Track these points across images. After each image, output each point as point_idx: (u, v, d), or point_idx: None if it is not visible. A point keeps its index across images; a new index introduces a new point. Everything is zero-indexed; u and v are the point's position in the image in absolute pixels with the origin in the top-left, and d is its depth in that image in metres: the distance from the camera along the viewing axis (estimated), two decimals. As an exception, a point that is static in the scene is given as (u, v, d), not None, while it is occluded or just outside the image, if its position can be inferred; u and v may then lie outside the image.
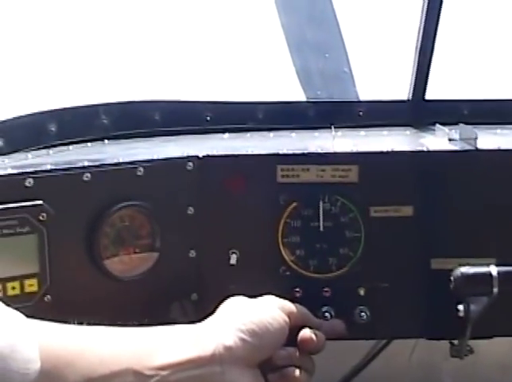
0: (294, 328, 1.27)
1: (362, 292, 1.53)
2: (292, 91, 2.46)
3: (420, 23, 2.07)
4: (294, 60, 2.62)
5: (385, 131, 2.02)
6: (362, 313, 1.52)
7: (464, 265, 1.36)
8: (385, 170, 1.52)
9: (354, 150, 1.55)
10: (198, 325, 1.20)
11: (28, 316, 1.07)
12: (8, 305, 1.06)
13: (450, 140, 1.69)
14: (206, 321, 1.22)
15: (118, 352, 1.10)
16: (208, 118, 2.06)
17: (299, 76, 2.60)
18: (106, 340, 1.12)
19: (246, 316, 1.20)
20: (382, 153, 1.53)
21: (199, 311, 1.42)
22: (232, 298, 1.28)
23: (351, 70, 2.58)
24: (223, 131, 2.02)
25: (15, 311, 1.06)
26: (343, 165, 1.51)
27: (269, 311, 1.23)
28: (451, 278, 1.36)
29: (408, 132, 2.03)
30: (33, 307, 1.31)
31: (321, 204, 1.52)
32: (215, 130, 2.04)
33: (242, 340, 1.16)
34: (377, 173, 1.52)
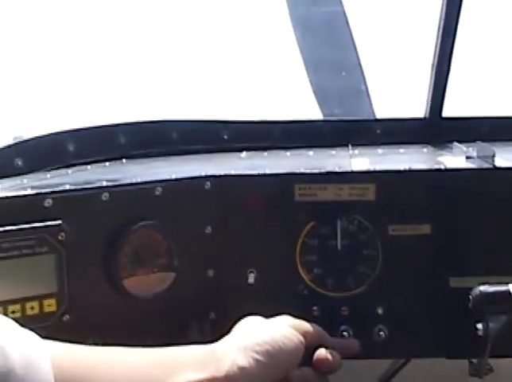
0: (310, 347, 1.27)
1: (380, 311, 1.52)
2: (309, 110, 2.47)
3: (437, 40, 2.07)
4: (311, 78, 2.63)
5: (402, 149, 2.01)
6: (381, 332, 1.51)
7: (483, 283, 1.35)
8: (402, 189, 1.51)
9: (372, 168, 1.55)
10: (212, 345, 1.20)
11: (46, 336, 1.07)
12: (26, 325, 1.07)
13: (467, 158, 1.68)
14: (220, 341, 1.21)
15: (133, 372, 1.10)
16: (225, 136, 2.07)
17: (315, 94, 2.60)
18: (121, 360, 1.12)
19: (261, 336, 1.20)
20: (399, 171, 1.53)
21: (217, 330, 1.42)
22: (247, 317, 1.28)
23: (367, 88, 2.58)
24: (240, 150, 2.03)
25: (30, 332, 1.06)
26: (361, 184, 1.51)
27: (284, 331, 1.23)
28: (470, 296, 1.35)
29: (425, 150, 2.03)
30: (52, 327, 1.31)
31: (339, 222, 1.52)
32: (232, 148, 2.04)
33: (256, 360, 1.16)
34: (394, 192, 1.51)
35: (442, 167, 1.55)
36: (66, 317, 1.34)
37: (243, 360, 1.16)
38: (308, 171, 1.53)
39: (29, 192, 1.33)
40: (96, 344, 1.18)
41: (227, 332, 1.25)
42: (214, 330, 1.50)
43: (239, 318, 1.28)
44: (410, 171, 1.53)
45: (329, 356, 1.27)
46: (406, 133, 2.17)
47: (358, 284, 1.52)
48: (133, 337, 1.34)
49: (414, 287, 1.52)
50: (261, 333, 1.20)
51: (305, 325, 1.29)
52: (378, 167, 1.55)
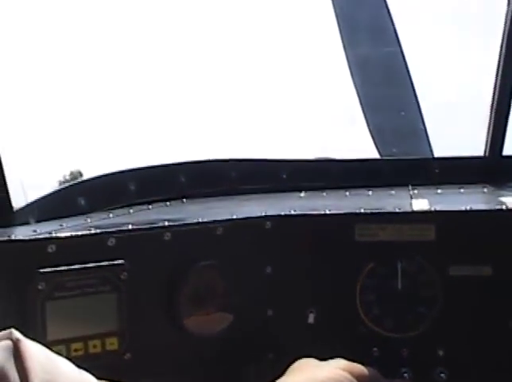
0: None
1: (440, 352, 1.50)
2: (365, 149, 2.47)
3: (496, 78, 2.06)
4: (368, 118, 2.63)
5: (462, 189, 2.00)
6: (442, 374, 1.49)
7: None
8: (463, 229, 1.50)
9: (432, 208, 1.54)
10: None
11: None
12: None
13: None
14: None
15: None
16: (284, 176, 2.08)
17: (373, 133, 2.60)
18: None
19: (313, 380, 1.19)
20: (459, 212, 1.52)
21: (276, 370, 1.42)
22: (301, 360, 1.28)
23: (425, 127, 2.58)
24: (299, 189, 2.03)
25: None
26: (421, 224, 1.51)
27: (335, 375, 1.22)
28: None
29: (485, 190, 2.01)
30: (114, 365, 1.33)
31: (399, 263, 1.51)
32: (290, 188, 2.04)
33: None
34: (455, 232, 1.50)
35: (503, 207, 1.53)
36: (127, 356, 1.35)
37: None
38: (368, 211, 1.53)
39: (93, 231, 1.35)
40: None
41: (282, 373, 1.25)
42: (273, 370, 1.50)
43: (297, 359, 1.28)
44: (471, 211, 1.52)
45: None
46: (465, 172, 2.15)
47: (417, 325, 1.51)
48: (191, 375, 1.35)
49: (474, 328, 1.50)
50: (314, 377, 1.20)
51: (359, 368, 1.27)
52: (439, 207, 1.55)
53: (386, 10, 2.77)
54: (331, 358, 1.28)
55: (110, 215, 1.63)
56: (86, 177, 1.79)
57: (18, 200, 1.62)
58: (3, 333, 0.74)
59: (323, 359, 1.27)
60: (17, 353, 0.73)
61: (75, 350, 1.30)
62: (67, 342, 1.29)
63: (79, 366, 1.06)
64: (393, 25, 2.76)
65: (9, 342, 0.73)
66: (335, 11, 2.78)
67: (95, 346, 1.32)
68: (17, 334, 0.74)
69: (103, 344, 1.33)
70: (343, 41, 2.73)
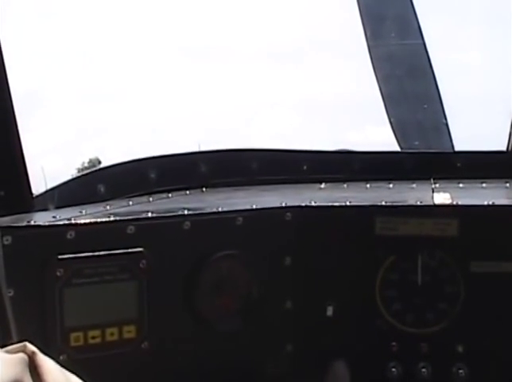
0: None
1: (460, 349, 1.49)
2: (385, 142, 2.45)
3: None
4: (390, 111, 2.61)
5: (484, 184, 1.98)
6: (461, 371, 1.48)
7: None
8: (486, 224, 1.48)
9: (454, 203, 1.52)
10: None
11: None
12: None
13: None
14: None
15: None
16: (305, 167, 2.06)
17: (394, 126, 2.59)
18: None
19: None
20: (482, 206, 1.50)
21: (295, 363, 1.41)
22: None
23: (447, 121, 2.56)
24: (320, 181, 2.02)
25: None
26: (443, 219, 1.49)
27: None
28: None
29: (508, 184, 1.98)
30: (130, 353, 1.32)
31: (420, 257, 1.49)
32: (311, 179, 2.03)
33: None
34: (477, 228, 1.48)
35: None
36: (144, 344, 1.35)
37: None
38: (389, 204, 1.51)
39: (112, 218, 1.34)
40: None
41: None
42: (292, 362, 1.49)
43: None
44: (494, 206, 1.50)
45: None
46: (488, 166, 2.13)
47: (438, 321, 1.50)
48: (208, 366, 1.34)
49: (496, 325, 1.49)
50: None
51: None
52: (461, 202, 1.53)
53: (410, 2, 2.75)
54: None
55: (130, 202, 1.63)
56: (105, 164, 1.78)
57: (38, 187, 1.62)
58: (18, 345, 0.74)
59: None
60: (32, 367, 0.73)
61: (93, 338, 1.30)
62: (84, 329, 1.29)
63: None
64: (416, 18, 2.74)
65: (24, 355, 0.72)
66: (359, 5, 2.76)
67: (112, 334, 1.31)
68: (31, 347, 0.74)
69: (120, 333, 1.32)
70: (365, 34, 2.72)
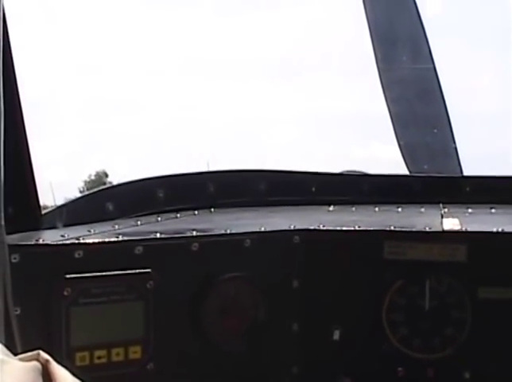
0: None
1: (467, 375, 1.48)
2: (393, 165, 2.45)
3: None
4: (399, 133, 2.62)
5: (493, 209, 1.97)
6: None
7: None
8: (494, 251, 1.48)
9: (463, 228, 1.52)
10: None
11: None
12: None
13: None
14: None
15: None
16: (313, 189, 2.06)
17: (403, 149, 2.59)
18: None
19: None
20: (491, 233, 1.49)
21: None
22: None
23: (455, 145, 2.57)
24: (328, 203, 2.01)
25: None
26: (452, 244, 1.48)
27: None
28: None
29: None
30: (136, 374, 1.32)
31: (428, 282, 1.49)
32: (319, 201, 2.03)
33: None
34: (486, 254, 1.48)
35: None
36: (150, 365, 1.34)
37: None
38: (398, 229, 1.51)
39: (121, 238, 1.34)
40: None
41: None
42: None
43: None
44: (503, 233, 1.49)
45: None
46: (496, 191, 2.13)
47: (444, 347, 1.49)
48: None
49: (503, 352, 1.48)
50: None
51: None
52: (470, 228, 1.52)
53: (421, 27, 2.76)
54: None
55: (139, 222, 1.63)
56: (111, 178, 1.78)
57: (46, 202, 1.62)
58: (31, 353, 0.73)
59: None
60: (46, 375, 0.72)
61: (98, 358, 1.29)
62: (90, 349, 1.29)
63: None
64: (427, 42, 2.75)
65: (37, 363, 0.72)
66: (370, 28, 2.77)
67: (117, 354, 1.31)
68: (45, 356, 0.73)
69: (126, 353, 1.32)
70: (376, 56, 2.72)
